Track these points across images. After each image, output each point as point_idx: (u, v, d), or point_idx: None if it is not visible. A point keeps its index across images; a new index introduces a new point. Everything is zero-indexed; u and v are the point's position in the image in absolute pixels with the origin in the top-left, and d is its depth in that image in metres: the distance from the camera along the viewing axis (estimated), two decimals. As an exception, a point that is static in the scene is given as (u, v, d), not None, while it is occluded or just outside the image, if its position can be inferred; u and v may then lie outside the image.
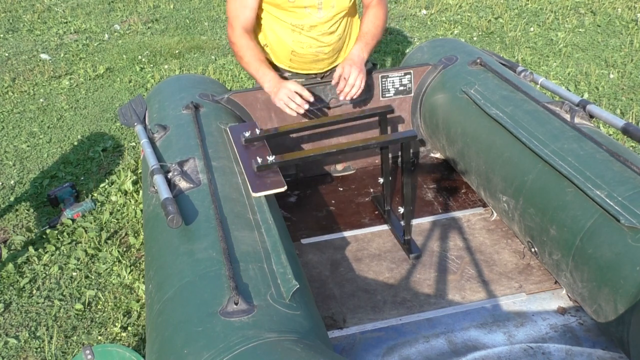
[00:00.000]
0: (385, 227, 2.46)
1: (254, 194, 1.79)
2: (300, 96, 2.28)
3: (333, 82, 2.36)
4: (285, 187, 1.81)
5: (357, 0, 2.47)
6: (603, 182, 1.83)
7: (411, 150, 2.89)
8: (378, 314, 2.05)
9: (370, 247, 2.37)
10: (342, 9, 2.39)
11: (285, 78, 2.51)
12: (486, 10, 5.69)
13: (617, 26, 5.11)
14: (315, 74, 2.61)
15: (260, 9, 2.40)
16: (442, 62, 2.73)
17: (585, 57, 4.56)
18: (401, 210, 2.31)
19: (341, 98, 2.35)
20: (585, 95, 3.94)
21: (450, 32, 5.22)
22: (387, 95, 2.74)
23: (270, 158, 1.90)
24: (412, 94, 2.77)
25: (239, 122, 2.44)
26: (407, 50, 4.79)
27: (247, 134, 2.06)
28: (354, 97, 2.33)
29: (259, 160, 1.89)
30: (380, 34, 2.43)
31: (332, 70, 2.59)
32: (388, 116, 2.49)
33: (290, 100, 2.27)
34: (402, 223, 2.34)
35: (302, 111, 2.29)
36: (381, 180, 2.47)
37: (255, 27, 2.48)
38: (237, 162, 1.99)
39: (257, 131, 2.08)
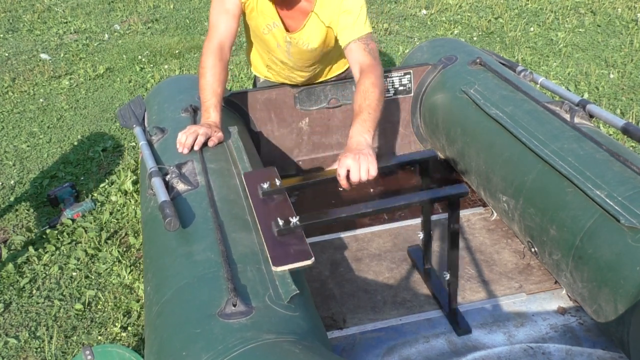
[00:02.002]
0: (384, 227, 2.45)
1: (274, 268, 1.48)
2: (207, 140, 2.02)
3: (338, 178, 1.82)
4: (313, 260, 1.50)
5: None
6: (603, 182, 1.82)
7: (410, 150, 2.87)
8: (378, 314, 2.05)
9: (370, 247, 2.37)
10: (313, 58, 2.32)
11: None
12: (486, 10, 5.69)
13: (617, 26, 5.10)
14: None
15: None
16: (441, 62, 2.73)
17: (585, 57, 4.56)
18: (446, 275, 1.95)
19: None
20: (585, 95, 3.94)
21: (450, 32, 5.22)
22: (387, 95, 2.73)
23: (294, 220, 1.60)
24: (412, 94, 2.76)
25: (238, 123, 2.44)
26: (407, 50, 4.79)
27: (265, 186, 1.75)
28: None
29: (280, 221, 1.59)
30: (379, 100, 1.96)
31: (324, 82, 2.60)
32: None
33: (186, 135, 1.99)
34: (447, 289, 1.98)
35: (181, 149, 1.98)
36: (421, 234, 2.13)
37: (245, 34, 2.48)
38: (243, 188, 1.82)
39: (277, 182, 1.77)
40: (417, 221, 2.49)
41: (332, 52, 2.40)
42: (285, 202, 1.72)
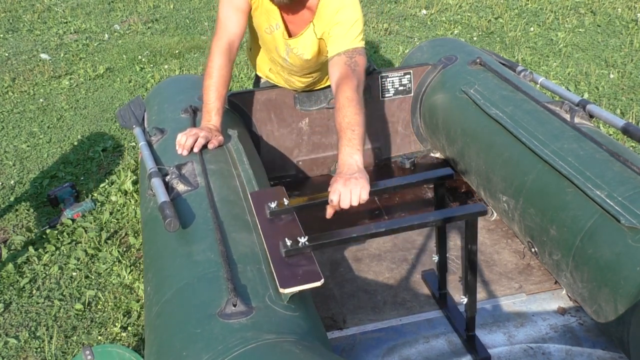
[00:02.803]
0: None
1: (282, 290, 1.42)
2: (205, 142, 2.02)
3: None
4: (322, 281, 1.44)
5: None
6: (603, 182, 1.82)
7: (410, 150, 2.87)
8: (378, 314, 2.05)
9: (370, 247, 2.37)
10: (309, 68, 2.32)
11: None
12: (486, 10, 5.69)
13: (617, 26, 5.10)
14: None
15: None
16: (441, 62, 2.73)
17: (585, 57, 4.56)
18: (463, 299, 1.86)
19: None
20: (585, 95, 3.94)
21: (450, 32, 5.22)
22: (386, 95, 2.74)
23: (303, 240, 1.54)
24: (412, 94, 2.76)
25: (238, 124, 2.44)
26: (407, 50, 4.79)
27: (273, 205, 1.70)
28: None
29: (288, 242, 1.53)
30: (359, 114, 1.89)
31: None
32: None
33: (186, 136, 1.99)
34: (465, 314, 1.90)
35: (181, 151, 1.98)
36: (436, 258, 2.03)
37: (249, 32, 2.48)
38: (248, 199, 1.80)
39: (286, 202, 1.72)
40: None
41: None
42: (294, 222, 1.67)
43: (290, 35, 2.22)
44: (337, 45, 2.06)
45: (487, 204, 2.44)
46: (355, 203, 1.73)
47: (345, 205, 1.74)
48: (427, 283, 2.17)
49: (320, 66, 2.36)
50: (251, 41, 2.50)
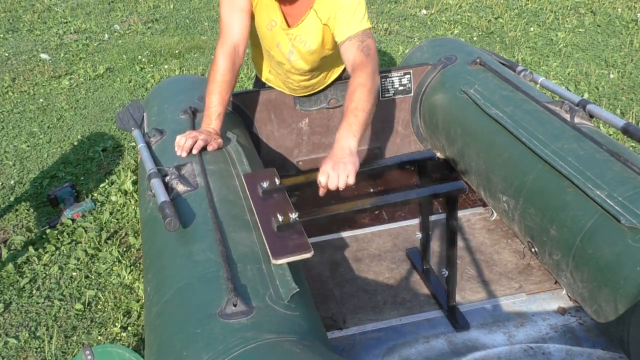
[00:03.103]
0: (384, 227, 2.45)
1: (273, 261, 1.51)
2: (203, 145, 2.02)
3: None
4: (312, 253, 1.54)
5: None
6: (603, 182, 1.82)
7: (410, 150, 2.87)
8: (378, 314, 2.05)
9: (370, 247, 2.37)
10: (311, 64, 2.30)
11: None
12: (486, 10, 5.69)
13: (617, 26, 5.11)
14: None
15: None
16: (441, 62, 2.73)
17: (585, 57, 4.56)
18: (445, 273, 1.97)
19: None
20: (585, 95, 3.94)
21: (450, 32, 5.22)
22: (386, 95, 2.74)
23: (293, 215, 1.63)
24: (412, 94, 2.76)
25: (238, 124, 2.44)
26: (407, 50, 4.79)
27: (265, 184, 1.79)
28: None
29: (280, 218, 1.62)
30: (368, 101, 1.94)
31: (321, 91, 2.60)
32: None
33: (185, 138, 1.99)
34: (446, 287, 2.01)
35: (180, 152, 1.98)
36: (419, 235, 2.16)
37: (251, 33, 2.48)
38: (243, 188, 1.85)
39: (277, 181, 1.81)
40: (417, 221, 2.49)
41: (330, 58, 2.37)
42: (285, 200, 1.76)
43: (289, 26, 2.21)
44: (345, 29, 2.07)
45: (487, 204, 2.44)
46: (342, 186, 1.80)
47: (332, 187, 1.80)
48: (411, 259, 2.28)
49: (322, 62, 2.35)
50: (252, 45, 2.50)
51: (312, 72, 2.40)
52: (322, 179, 1.80)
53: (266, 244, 1.56)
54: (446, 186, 1.81)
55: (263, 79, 2.60)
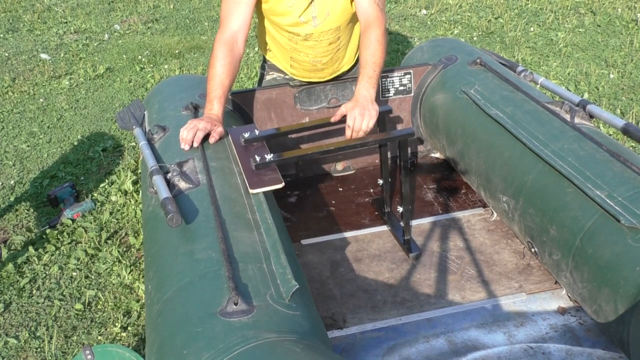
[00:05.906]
0: (385, 227, 2.46)
1: (251, 191, 1.79)
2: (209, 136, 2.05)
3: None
4: (283, 184, 1.82)
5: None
6: (603, 182, 1.82)
7: (409, 150, 2.88)
8: (378, 314, 2.05)
9: (370, 247, 2.37)
10: (337, 21, 2.31)
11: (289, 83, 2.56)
12: (486, 10, 5.69)
13: (617, 26, 5.11)
14: (317, 82, 2.60)
15: (260, 14, 2.38)
16: (442, 62, 2.73)
17: (585, 57, 4.56)
18: (401, 210, 2.32)
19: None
20: (585, 95, 3.94)
21: (450, 32, 5.22)
22: (386, 95, 2.74)
23: (269, 156, 1.89)
24: (412, 94, 2.76)
25: (238, 123, 2.44)
26: (407, 50, 4.79)
27: (246, 135, 2.04)
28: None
29: (257, 158, 1.88)
30: (383, 58, 2.18)
31: (335, 78, 2.60)
32: (390, 116, 2.49)
33: (188, 130, 2.00)
34: (402, 223, 2.34)
35: (183, 145, 2.00)
36: (380, 181, 2.47)
37: (261, 31, 2.48)
38: (237, 162, 1.98)
39: (257, 132, 2.06)
40: (417, 222, 2.49)
41: (351, 30, 2.41)
42: (263, 147, 2.02)
43: None
44: None
45: (488, 204, 2.44)
46: (365, 129, 2.09)
47: (357, 128, 2.09)
48: (377, 206, 2.58)
49: (344, 30, 2.36)
50: (268, 42, 2.49)
51: (338, 32, 2.37)
52: (350, 122, 2.08)
53: (245, 180, 1.83)
54: (397, 132, 2.18)
55: (288, 73, 2.58)
